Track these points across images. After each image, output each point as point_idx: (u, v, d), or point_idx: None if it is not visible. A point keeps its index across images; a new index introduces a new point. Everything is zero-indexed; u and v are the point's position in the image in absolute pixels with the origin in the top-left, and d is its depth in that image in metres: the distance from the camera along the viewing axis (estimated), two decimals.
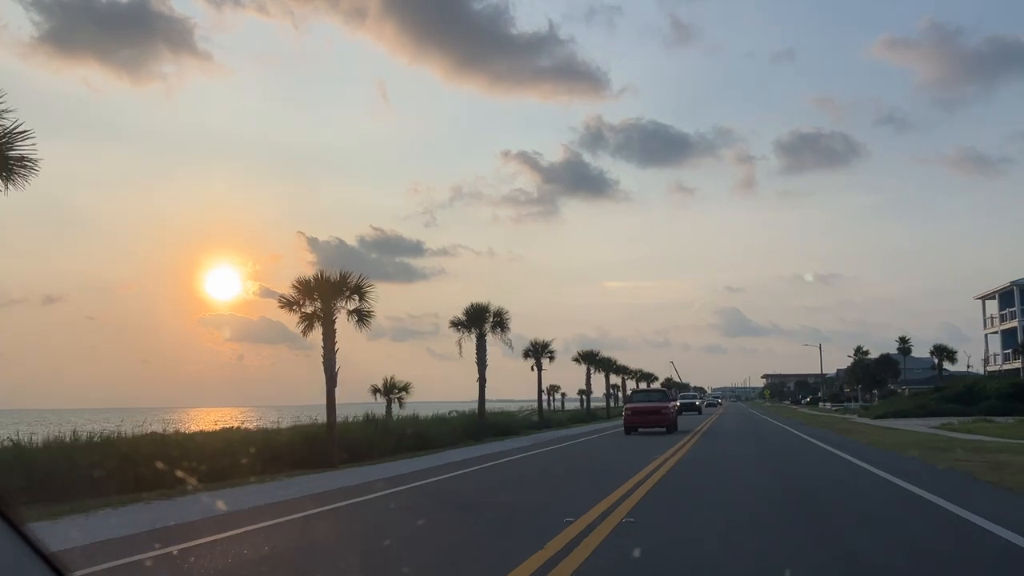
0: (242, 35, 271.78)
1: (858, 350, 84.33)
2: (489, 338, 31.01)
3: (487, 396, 30.82)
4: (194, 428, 21.22)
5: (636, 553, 6.80)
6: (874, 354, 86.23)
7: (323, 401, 18.80)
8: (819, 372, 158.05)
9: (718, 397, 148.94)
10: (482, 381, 30.23)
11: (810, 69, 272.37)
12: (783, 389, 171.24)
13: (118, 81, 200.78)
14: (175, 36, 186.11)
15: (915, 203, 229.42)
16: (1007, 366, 65.12)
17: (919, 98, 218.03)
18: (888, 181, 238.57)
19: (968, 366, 74.04)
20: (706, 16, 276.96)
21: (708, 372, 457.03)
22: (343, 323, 19.29)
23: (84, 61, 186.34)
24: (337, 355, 19.09)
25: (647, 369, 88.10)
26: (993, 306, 69.62)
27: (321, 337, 19.01)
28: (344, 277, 18.93)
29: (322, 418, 19.54)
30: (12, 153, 10.87)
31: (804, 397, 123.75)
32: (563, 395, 67.21)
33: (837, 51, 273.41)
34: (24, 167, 10.97)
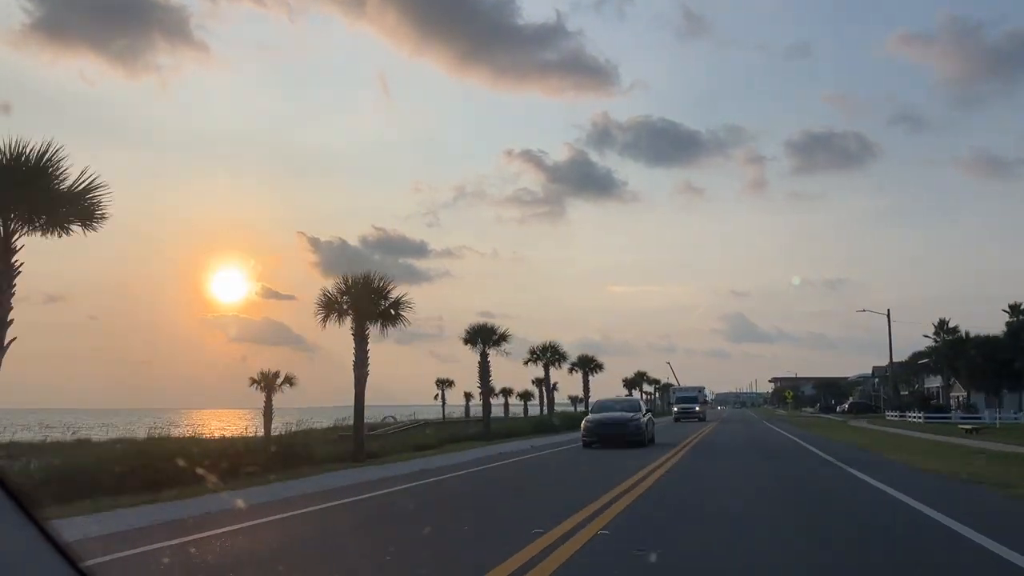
0: (239, 26, 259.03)
1: (942, 325, 60.38)
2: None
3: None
4: None
5: None
6: (897, 358, 59.52)
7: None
8: (840, 375, 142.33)
9: (697, 397, 69.40)
10: (360, 386, 20.19)
11: (824, 64, 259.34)
12: (798, 394, 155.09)
13: (113, 72, 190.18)
14: (170, 25, 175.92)
15: (928, 206, 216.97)
16: None
17: (936, 96, 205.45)
18: (901, 184, 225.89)
19: None
20: (719, 6, 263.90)
21: (712, 377, 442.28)
22: None
23: (78, 51, 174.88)
24: None
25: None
26: None
27: None
28: None
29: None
30: None
31: (837, 403, 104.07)
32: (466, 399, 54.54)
33: (852, 46, 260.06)
34: None
